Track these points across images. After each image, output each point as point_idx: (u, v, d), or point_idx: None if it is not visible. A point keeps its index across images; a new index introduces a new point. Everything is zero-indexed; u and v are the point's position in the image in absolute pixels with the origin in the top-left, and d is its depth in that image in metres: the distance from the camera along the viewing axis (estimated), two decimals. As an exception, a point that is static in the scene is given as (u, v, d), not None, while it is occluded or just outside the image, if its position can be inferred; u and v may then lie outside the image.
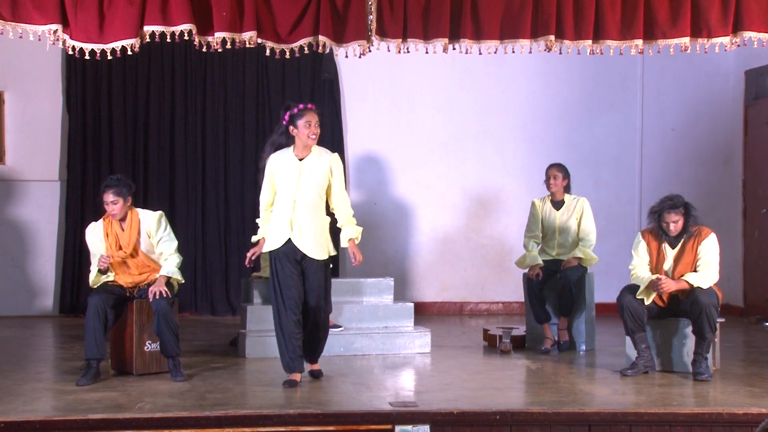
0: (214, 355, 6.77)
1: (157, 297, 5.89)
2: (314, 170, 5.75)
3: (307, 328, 5.79)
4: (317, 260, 5.74)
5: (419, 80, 9.44)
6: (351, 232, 5.82)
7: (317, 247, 5.74)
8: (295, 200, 5.71)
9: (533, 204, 7.38)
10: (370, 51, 6.53)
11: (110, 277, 6.08)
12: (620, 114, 9.66)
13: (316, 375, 5.95)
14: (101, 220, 6.16)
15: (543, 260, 7.19)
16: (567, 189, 7.30)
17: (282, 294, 5.67)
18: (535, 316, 7.15)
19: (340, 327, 7.01)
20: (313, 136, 5.76)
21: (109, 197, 6.02)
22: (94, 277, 6.07)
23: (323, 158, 5.80)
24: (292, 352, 5.68)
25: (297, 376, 5.72)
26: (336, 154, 5.86)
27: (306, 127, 5.73)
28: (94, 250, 6.13)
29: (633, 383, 5.89)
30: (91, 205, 8.91)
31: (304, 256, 5.72)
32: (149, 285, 6.03)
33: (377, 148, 9.52)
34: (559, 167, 7.29)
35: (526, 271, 7.26)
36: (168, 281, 6.04)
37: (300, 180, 5.72)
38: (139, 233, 6.10)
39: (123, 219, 6.10)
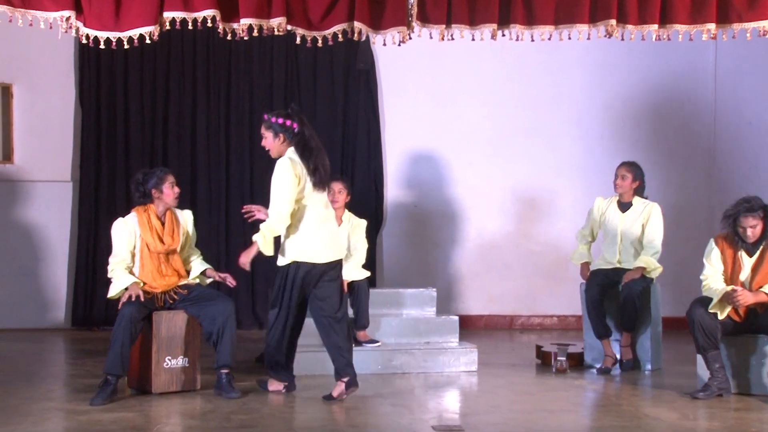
0: (239, 373, 6.75)
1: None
2: None
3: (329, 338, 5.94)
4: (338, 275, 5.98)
5: (463, 71, 9.43)
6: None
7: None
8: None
9: (595, 203, 7.36)
10: (410, 38, 6.54)
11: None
12: (689, 107, 9.58)
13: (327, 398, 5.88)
14: (133, 214, 6.18)
15: (603, 269, 7.17)
16: (639, 191, 7.23)
17: (288, 315, 5.94)
18: (594, 331, 7.10)
19: (378, 342, 7.00)
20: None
21: (171, 181, 6.18)
22: (117, 291, 6.03)
23: None
24: (279, 358, 6.03)
25: (280, 386, 6.06)
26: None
27: None
28: (119, 246, 6.09)
29: (705, 407, 5.83)
30: (106, 207, 8.99)
31: (326, 273, 5.88)
32: (174, 291, 6.16)
33: (417, 145, 9.51)
34: (630, 166, 7.22)
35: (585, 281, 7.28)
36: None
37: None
38: (179, 230, 6.27)
39: (163, 213, 6.23)
